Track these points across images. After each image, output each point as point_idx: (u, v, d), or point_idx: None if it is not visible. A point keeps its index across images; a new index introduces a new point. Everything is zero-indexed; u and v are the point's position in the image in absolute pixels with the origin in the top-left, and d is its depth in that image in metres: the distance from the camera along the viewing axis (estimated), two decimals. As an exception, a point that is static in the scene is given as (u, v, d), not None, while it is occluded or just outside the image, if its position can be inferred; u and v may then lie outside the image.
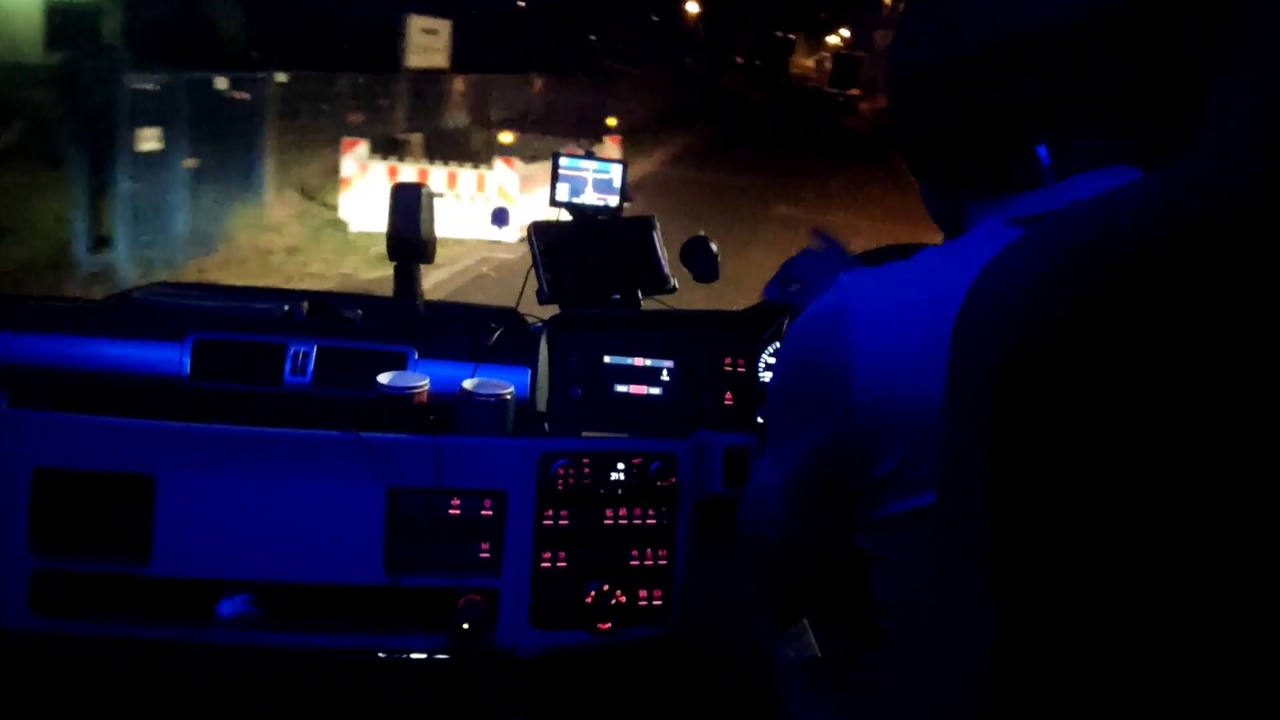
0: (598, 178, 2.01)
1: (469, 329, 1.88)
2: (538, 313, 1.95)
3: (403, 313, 1.99)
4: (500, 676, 1.63)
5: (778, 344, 1.82)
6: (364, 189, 7.74)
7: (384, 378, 1.63)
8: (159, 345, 1.68)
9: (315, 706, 1.61)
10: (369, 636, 1.59)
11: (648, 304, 2.04)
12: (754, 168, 14.71)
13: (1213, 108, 0.49)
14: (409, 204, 1.91)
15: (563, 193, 2.00)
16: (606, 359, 1.80)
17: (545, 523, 1.63)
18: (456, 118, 13.56)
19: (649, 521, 1.68)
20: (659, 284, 2.03)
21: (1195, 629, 0.51)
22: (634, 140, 14.51)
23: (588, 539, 1.65)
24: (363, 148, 7.92)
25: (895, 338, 0.76)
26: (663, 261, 2.05)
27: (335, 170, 8.13)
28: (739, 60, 42.64)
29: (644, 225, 2.05)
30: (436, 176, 7.76)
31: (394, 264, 2.02)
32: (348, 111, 10.47)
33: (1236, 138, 0.47)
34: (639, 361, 1.81)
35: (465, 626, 1.56)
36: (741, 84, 38.28)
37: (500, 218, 2.21)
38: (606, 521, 1.66)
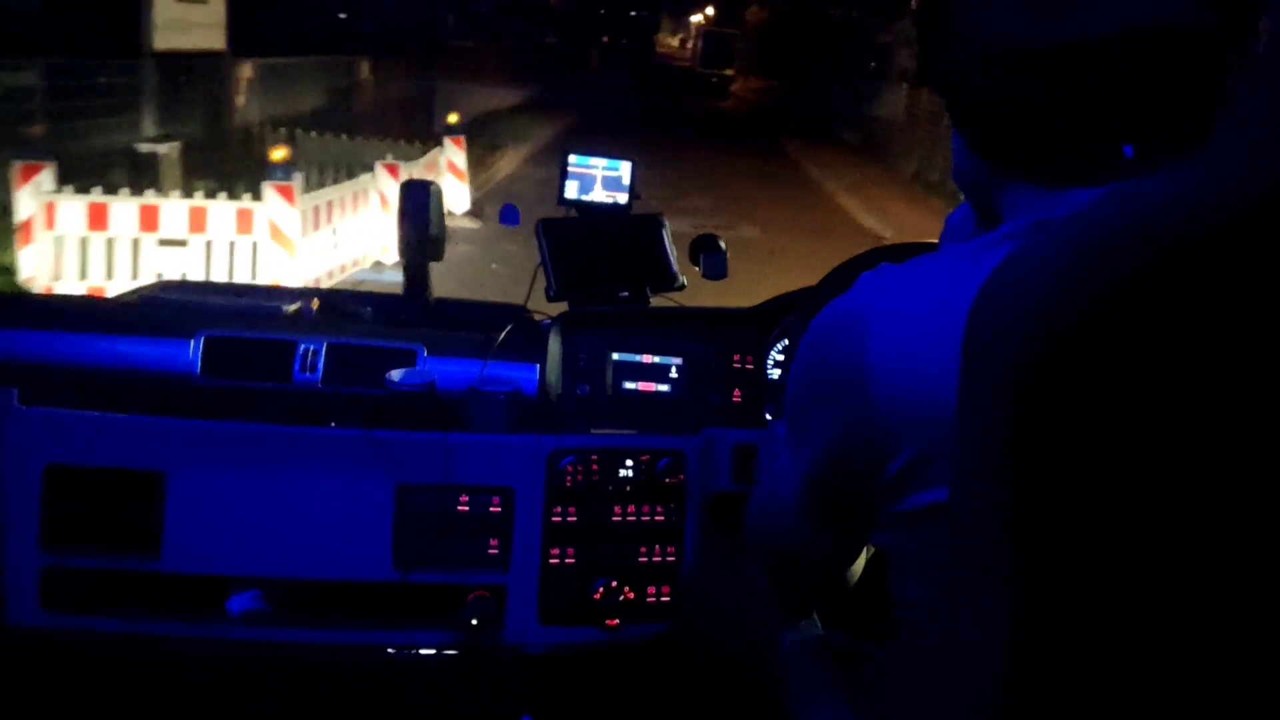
0: (607, 175, 2.01)
1: (478, 326, 1.88)
2: (546, 310, 1.95)
3: (411, 310, 2.00)
4: (508, 672, 1.63)
5: (786, 341, 1.82)
6: (54, 238, 5.03)
7: (393, 375, 1.64)
8: (169, 343, 1.69)
9: (324, 701, 1.62)
10: (378, 632, 1.59)
11: (656, 301, 2.04)
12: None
13: (1239, 108, 0.49)
14: (419, 201, 1.92)
15: (571, 190, 2.00)
16: (615, 356, 1.80)
17: (553, 519, 1.63)
18: (239, 117, 10.42)
19: (657, 518, 1.68)
20: (668, 281, 2.03)
21: (1216, 626, 0.51)
22: (488, 134, 13.48)
23: (596, 535, 1.65)
24: (46, 175, 5.03)
25: (915, 335, 0.76)
26: (671, 259, 2.05)
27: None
28: (605, 39, 40.70)
29: (653, 223, 2.05)
30: (172, 215, 5.15)
31: (403, 261, 2.02)
32: (39, 120, 7.30)
33: (1260, 137, 0.47)
34: (647, 358, 1.81)
35: (474, 622, 1.57)
36: (606, 64, 36.72)
37: (510, 215, 2.21)
38: (614, 518, 1.66)
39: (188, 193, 5.64)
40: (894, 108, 16.44)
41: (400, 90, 15.14)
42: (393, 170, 6.65)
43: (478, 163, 10.43)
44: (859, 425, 0.78)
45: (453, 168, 8.34)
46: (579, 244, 1.99)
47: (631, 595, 1.65)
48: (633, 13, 44.65)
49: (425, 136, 9.06)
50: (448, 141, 8.39)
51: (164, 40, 8.91)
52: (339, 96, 13.35)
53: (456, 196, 8.20)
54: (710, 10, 46.28)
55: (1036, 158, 0.77)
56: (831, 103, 22.97)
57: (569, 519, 1.64)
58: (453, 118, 10.78)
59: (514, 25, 27.37)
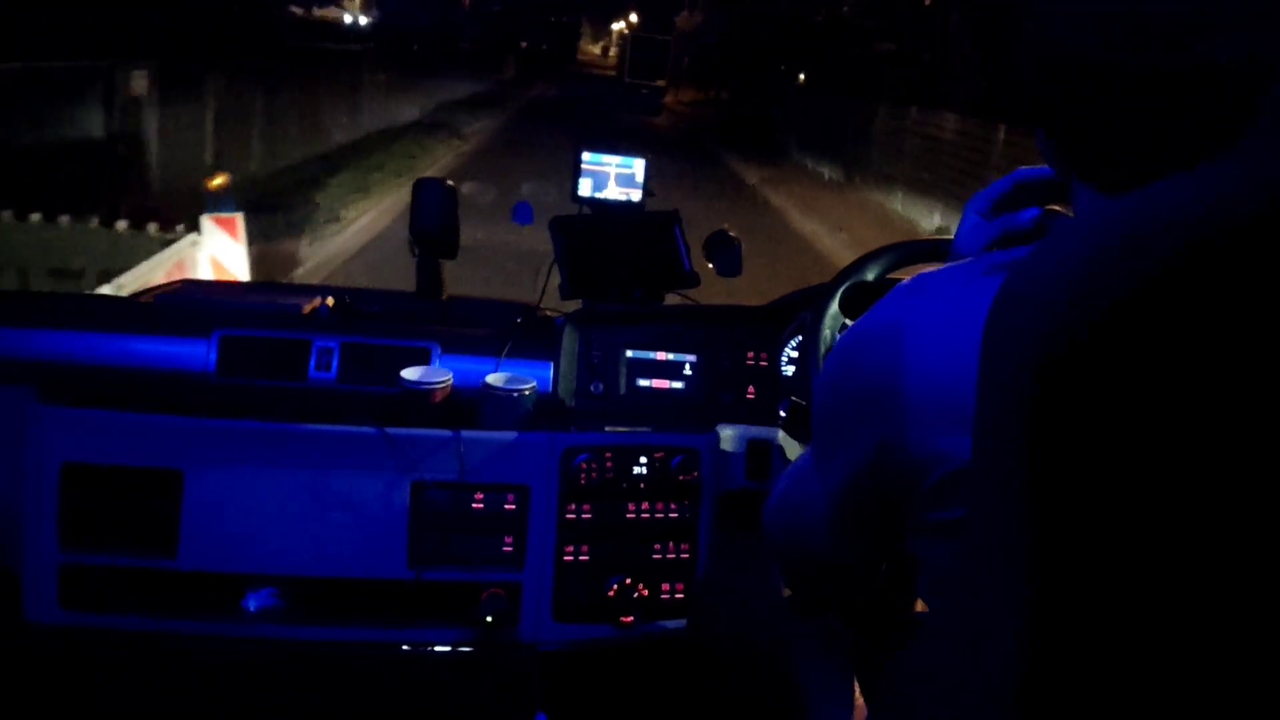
0: (620, 172, 2.01)
1: (491, 324, 1.88)
2: (560, 307, 1.95)
3: (425, 308, 2.00)
4: (522, 669, 1.64)
5: (799, 338, 1.82)
6: None
7: (407, 373, 1.64)
8: (186, 341, 1.70)
9: (340, 698, 1.62)
10: (393, 630, 1.60)
11: (670, 299, 2.04)
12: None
13: (1270, 107, 0.49)
14: (431, 199, 1.92)
15: (585, 188, 2.00)
16: (629, 353, 1.80)
17: (568, 517, 1.63)
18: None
19: (671, 515, 1.68)
20: (681, 278, 2.02)
21: (1235, 626, 0.50)
22: (382, 153, 11.72)
23: (610, 533, 1.65)
24: None
25: (954, 345, 0.74)
26: (685, 256, 2.04)
27: None
28: (523, 45, 37.85)
29: (667, 220, 2.05)
30: None
31: (416, 259, 2.03)
32: None
33: None
34: (661, 356, 1.81)
35: (488, 620, 1.57)
36: (525, 72, 33.96)
37: (523, 213, 2.21)
38: (629, 515, 1.66)
39: None
40: (906, 135, 13.26)
41: (217, 108, 9.26)
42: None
43: (303, 228, 7.72)
44: (894, 439, 0.76)
45: (217, 265, 4.82)
46: (592, 241, 1.99)
47: (645, 592, 1.65)
48: (553, 18, 41.45)
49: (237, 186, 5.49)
50: (208, 224, 4.79)
51: None
52: (87, 122, 7.83)
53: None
54: (634, 17, 42.69)
55: (1101, 166, 0.74)
56: (793, 121, 19.87)
57: (583, 516, 1.64)
58: (218, 180, 5.14)
59: (420, 25, 25.39)
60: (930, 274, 0.80)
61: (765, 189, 13.96)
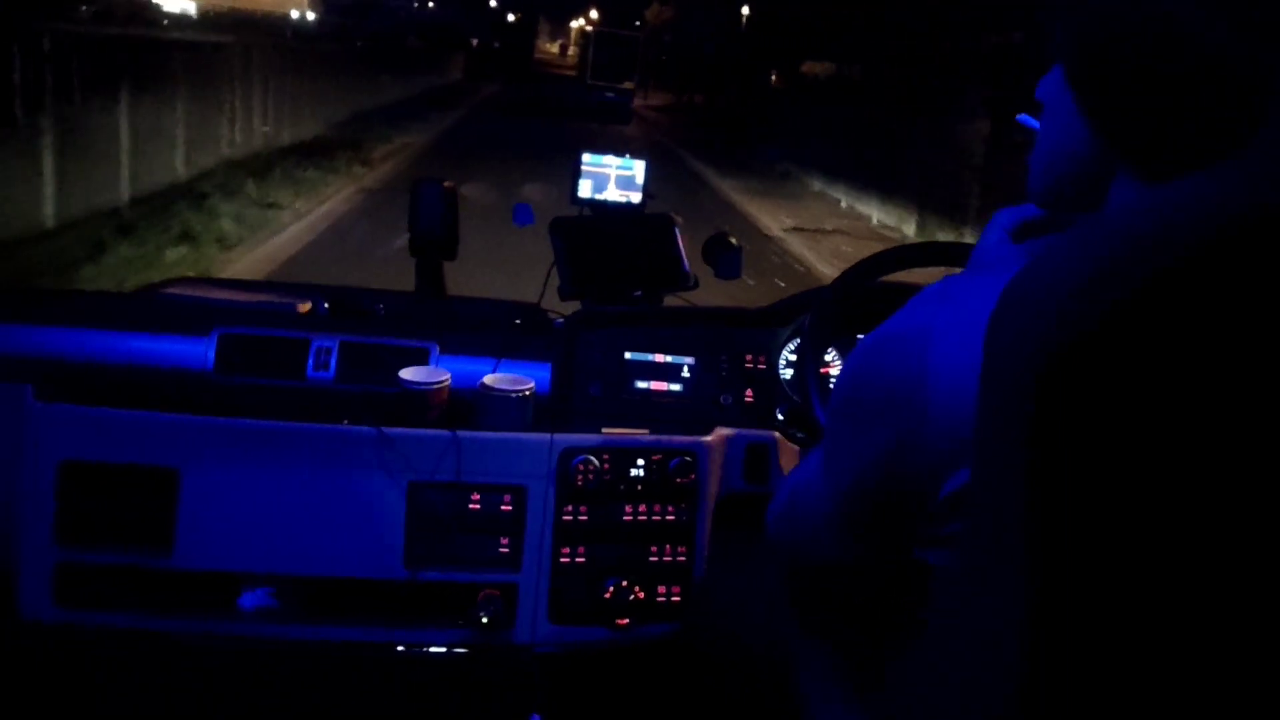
0: (620, 174, 2.01)
1: (491, 324, 1.88)
2: (559, 308, 1.95)
3: (425, 308, 2.00)
4: (518, 671, 1.64)
5: (798, 340, 1.82)
6: None
7: (406, 373, 1.64)
8: (184, 339, 1.70)
9: (335, 699, 1.62)
10: (388, 630, 1.59)
11: (669, 301, 2.04)
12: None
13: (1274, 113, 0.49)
14: (431, 201, 1.92)
15: (585, 189, 2.00)
16: (627, 355, 1.80)
17: (565, 518, 1.63)
18: None
19: (668, 518, 1.68)
20: (681, 280, 2.02)
21: (1235, 630, 0.50)
22: (219, 197, 8.27)
23: (607, 535, 1.65)
24: None
25: (977, 354, 0.74)
26: (684, 258, 2.04)
27: None
28: (474, 42, 34.65)
29: (666, 222, 2.05)
30: None
31: (415, 260, 2.03)
32: None
33: None
34: (660, 358, 1.81)
35: (484, 621, 1.57)
36: (475, 73, 30.51)
37: (523, 214, 2.20)
38: (626, 517, 1.66)
39: None
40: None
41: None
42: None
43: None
44: (912, 443, 0.76)
45: None
46: (592, 243, 1.99)
47: (642, 595, 1.65)
48: (509, 15, 37.46)
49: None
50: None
51: None
52: None
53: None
54: (595, 14, 38.83)
55: (1152, 147, 0.71)
56: (801, 133, 16.68)
57: (580, 518, 1.64)
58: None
59: (369, 24, 23.35)
60: (958, 280, 0.80)
61: (786, 233, 10.93)
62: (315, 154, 11.59)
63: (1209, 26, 0.64)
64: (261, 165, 10.18)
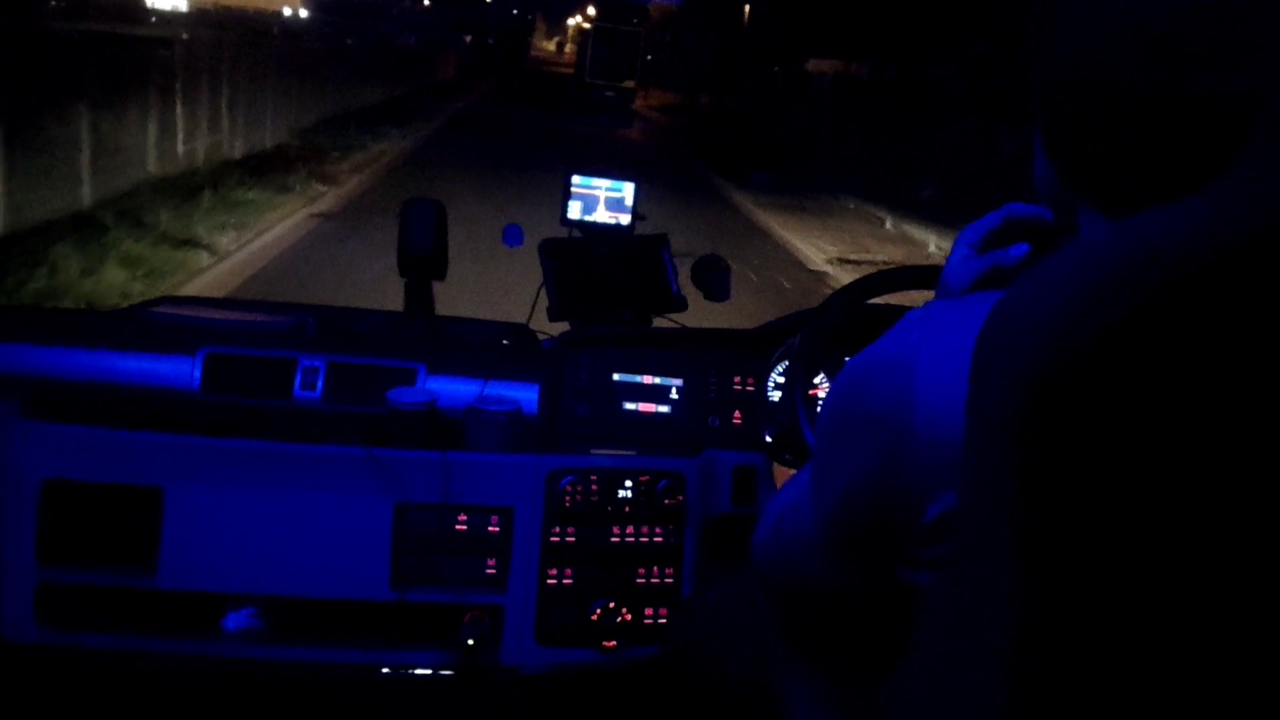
0: (610, 196, 2.02)
1: (479, 345, 1.88)
2: (548, 329, 1.95)
3: (413, 328, 2.00)
4: (505, 693, 1.63)
5: (787, 363, 1.82)
6: None
7: (393, 393, 1.64)
8: (170, 359, 1.69)
9: None
10: (374, 652, 1.58)
11: (658, 322, 2.04)
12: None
13: (1259, 134, 0.49)
14: (420, 219, 1.92)
15: (574, 211, 2.01)
16: (616, 376, 1.80)
17: (552, 539, 1.63)
18: None
19: (656, 539, 1.68)
20: (670, 302, 2.03)
21: (1220, 649, 0.50)
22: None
23: (594, 556, 1.65)
24: None
25: (962, 379, 0.75)
26: (674, 280, 2.05)
27: None
28: (467, 39, 32.40)
29: (656, 243, 2.05)
30: None
31: (404, 280, 2.03)
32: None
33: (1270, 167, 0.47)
34: (648, 379, 1.81)
35: (470, 642, 1.56)
36: (470, 69, 28.51)
37: (513, 236, 2.21)
38: (613, 539, 1.66)
39: None
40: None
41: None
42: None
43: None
44: (897, 466, 0.76)
45: None
46: (581, 264, 1.99)
47: (629, 617, 1.64)
48: (508, 11, 36.10)
49: None
50: None
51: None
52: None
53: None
54: (591, 10, 35.22)
55: (1106, 186, 0.74)
56: (843, 140, 15.30)
57: (567, 539, 1.63)
58: None
59: (361, 21, 22.27)
60: (942, 305, 0.80)
61: (831, 264, 9.24)
62: (268, 168, 9.72)
63: (1146, 75, 0.67)
64: (195, 185, 8.13)
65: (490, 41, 35.29)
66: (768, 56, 22.71)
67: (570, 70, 30.20)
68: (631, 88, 24.61)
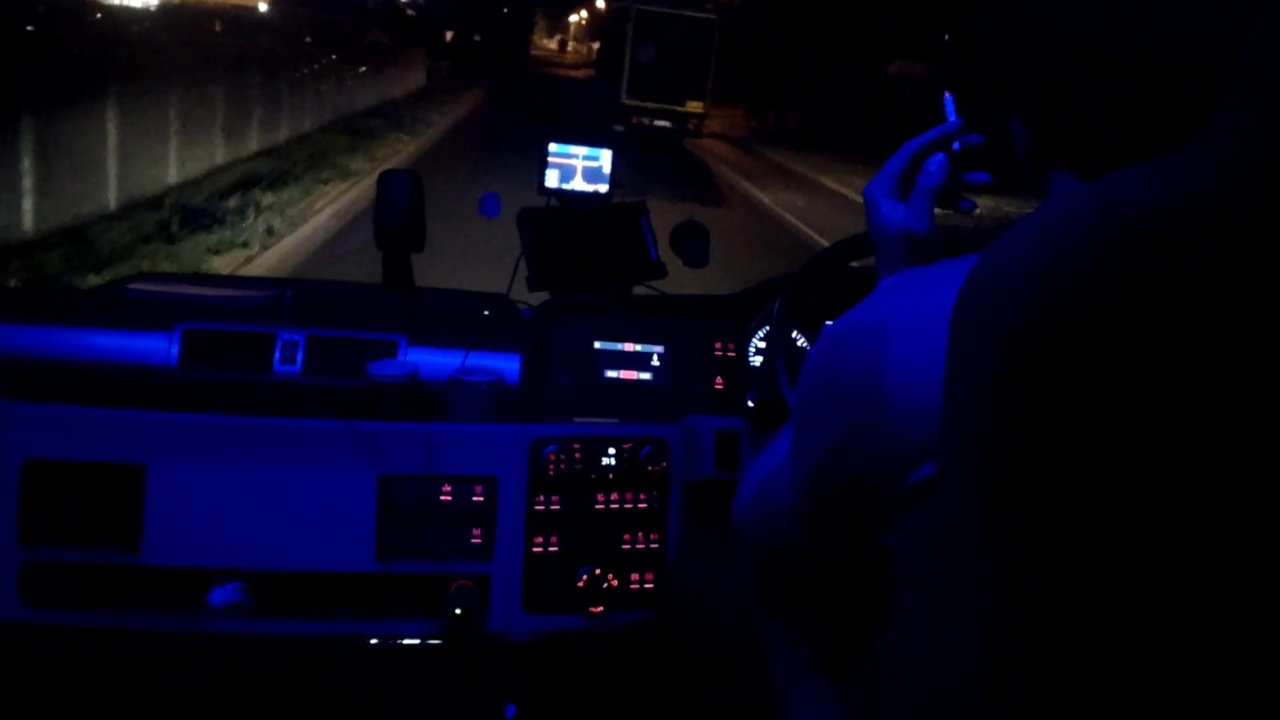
0: (587, 165, 2.00)
1: (459, 316, 1.87)
2: (528, 299, 1.94)
3: (392, 300, 1.99)
4: (492, 661, 1.64)
5: (767, 328, 1.82)
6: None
7: (374, 366, 1.63)
8: (148, 335, 1.68)
9: (307, 693, 1.61)
10: (361, 623, 1.59)
11: (638, 290, 2.04)
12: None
13: (1235, 88, 0.49)
14: (397, 191, 1.91)
15: (551, 179, 2.00)
16: (597, 345, 1.80)
17: (536, 508, 1.63)
18: None
19: (640, 506, 1.69)
20: (650, 270, 2.02)
21: (1200, 624, 0.51)
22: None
23: (579, 524, 1.65)
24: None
25: (938, 344, 0.75)
26: (653, 247, 2.04)
27: None
28: (448, 35, 26.10)
29: (634, 211, 2.05)
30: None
31: (382, 253, 2.01)
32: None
33: (1244, 129, 0.48)
34: (629, 347, 1.81)
35: (457, 612, 1.57)
36: (451, 72, 22.01)
37: (490, 205, 2.19)
38: (598, 506, 1.66)
39: None
40: None
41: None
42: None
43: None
44: (872, 433, 0.76)
45: None
46: (560, 234, 1.98)
47: (615, 583, 1.65)
48: (505, 8, 28.50)
49: None
50: None
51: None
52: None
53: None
54: (600, 2, 28.88)
55: (1078, 149, 0.74)
56: None
57: (552, 508, 1.64)
58: None
59: (323, 13, 17.98)
60: (916, 272, 0.80)
61: None
62: (120, 221, 6.48)
63: (1115, 33, 0.67)
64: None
65: (476, 38, 27.81)
66: (831, 56, 17.43)
67: (574, 71, 22.94)
68: (700, 113, 16.21)
